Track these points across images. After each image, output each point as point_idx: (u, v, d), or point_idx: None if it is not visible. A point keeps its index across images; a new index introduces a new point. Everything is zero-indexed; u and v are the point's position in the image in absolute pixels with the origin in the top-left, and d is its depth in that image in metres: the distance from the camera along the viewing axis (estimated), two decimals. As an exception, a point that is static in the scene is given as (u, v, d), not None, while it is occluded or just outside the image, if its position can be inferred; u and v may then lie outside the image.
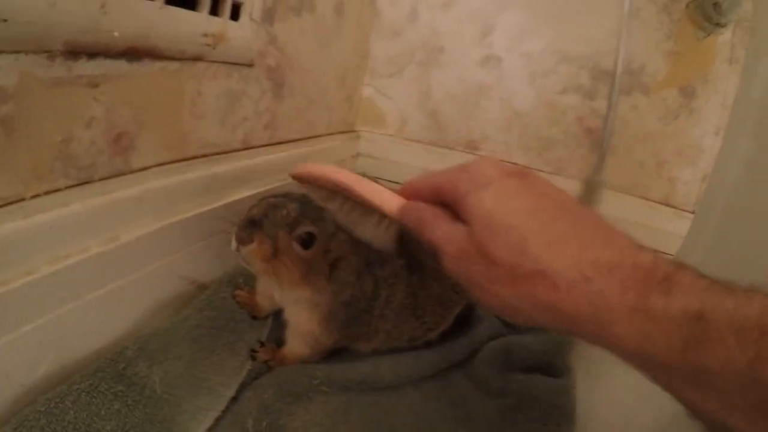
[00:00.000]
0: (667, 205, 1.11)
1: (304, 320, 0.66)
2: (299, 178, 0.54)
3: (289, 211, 0.61)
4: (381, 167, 1.28)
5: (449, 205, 0.41)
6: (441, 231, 0.40)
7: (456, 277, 0.40)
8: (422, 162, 1.25)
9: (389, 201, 0.46)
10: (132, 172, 0.63)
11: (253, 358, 0.66)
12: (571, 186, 1.07)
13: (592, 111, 1.12)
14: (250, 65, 0.80)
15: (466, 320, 0.81)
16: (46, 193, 0.52)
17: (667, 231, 1.04)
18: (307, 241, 0.61)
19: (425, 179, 0.43)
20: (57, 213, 0.51)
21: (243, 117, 0.83)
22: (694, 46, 1.03)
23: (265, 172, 0.87)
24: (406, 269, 0.72)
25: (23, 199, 0.50)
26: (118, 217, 0.59)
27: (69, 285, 0.53)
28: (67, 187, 0.55)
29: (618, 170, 1.10)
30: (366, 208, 0.48)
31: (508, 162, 1.14)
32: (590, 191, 1.04)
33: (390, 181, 1.24)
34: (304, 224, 0.61)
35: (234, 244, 0.62)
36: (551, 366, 0.74)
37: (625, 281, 0.31)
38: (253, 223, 0.61)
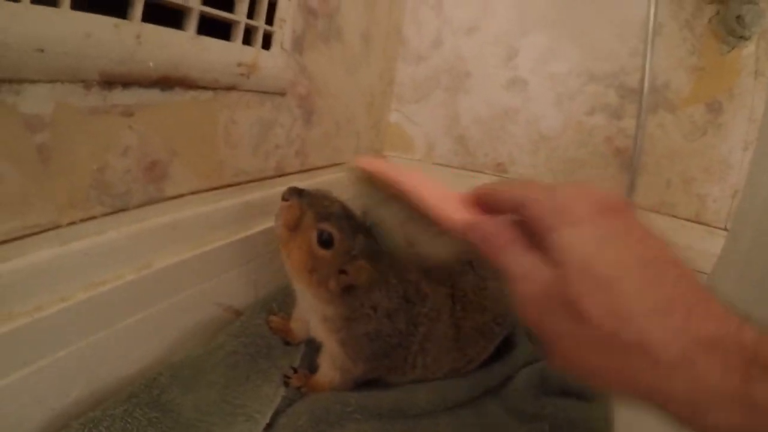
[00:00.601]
0: (698, 222, 1.07)
1: (324, 336, 0.66)
2: (358, 173, 0.49)
3: (330, 206, 0.63)
4: (410, 192, 1.27)
5: (529, 228, 0.35)
6: (516, 261, 0.35)
7: (529, 321, 0.34)
8: (450, 186, 1.24)
9: (454, 211, 0.40)
10: (166, 199, 0.64)
11: (286, 384, 0.66)
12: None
13: (619, 131, 1.10)
14: (282, 94, 0.81)
15: (501, 345, 0.79)
16: (82, 220, 0.53)
17: (699, 249, 1.01)
18: (323, 240, 0.60)
19: (507, 190, 0.38)
20: (92, 240, 0.52)
21: (275, 145, 0.83)
22: (719, 61, 1.01)
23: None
24: (450, 298, 0.71)
25: (59, 227, 0.50)
26: (152, 245, 0.59)
27: (103, 312, 0.53)
28: (102, 215, 0.55)
29: (646, 189, 1.08)
30: (427, 215, 0.42)
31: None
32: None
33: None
34: (331, 224, 0.61)
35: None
36: (587, 389, 0.72)
37: (728, 362, 0.27)
38: (300, 192, 0.63)
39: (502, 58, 1.18)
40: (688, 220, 1.08)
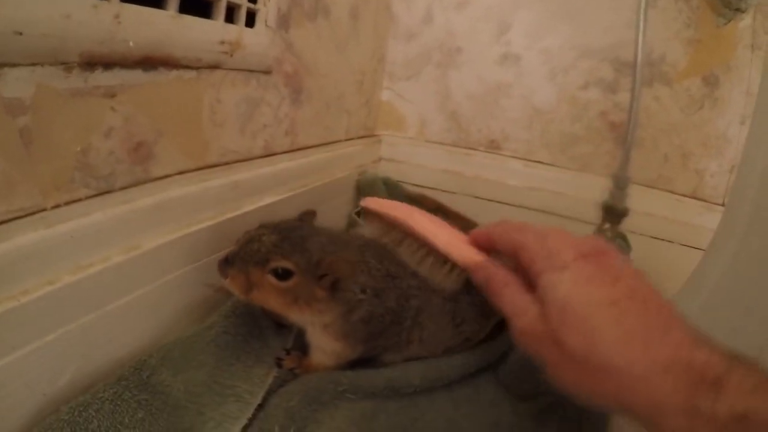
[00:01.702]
0: (695, 198, 1.08)
1: (322, 341, 0.65)
2: (369, 213, 0.58)
3: (260, 246, 0.60)
4: (403, 170, 1.27)
5: (522, 270, 0.44)
6: (512, 301, 0.43)
7: (525, 347, 0.43)
8: (444, 164, 1.24)
9: (460, 252, 0.48)
10: (152, 180, 0.63)
11: (279, 366, 0.66)
12: (598, 183, 1.05)
13: (614, 105, 1.10)
14: (267, 72, 0.80)
15: (497, 323, 0.79)
16: (67, 203, 0.52)
17: (697, 224, 1.02)
18: (282, 275, 0.59)
19: (505, 234, 0.46)
20: (77, 223, 0.52)
21: (263, 124, 0.83)
22: (715, 34, 1.00)
23: (286, 178, 0.87)
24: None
25: (44, 210, 0.50)
26: (138, 226, 0.59)
27: (90, 294, 0.53)
28: (87, 197, 0.55)
29: (643, 164, 1.08)
30: (437, 255, 0.50)
31: (531, 160, 1.15)
32: (618, 188, 1.02)
33: (413, 184, 1.24)
34: (276, 260, 0.59)
35: None
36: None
37: (677, 382, 0.34)
38: (226, 259, 0.61)
39: (494, 33, 1.17)
40: (685, 195, 1.08)
